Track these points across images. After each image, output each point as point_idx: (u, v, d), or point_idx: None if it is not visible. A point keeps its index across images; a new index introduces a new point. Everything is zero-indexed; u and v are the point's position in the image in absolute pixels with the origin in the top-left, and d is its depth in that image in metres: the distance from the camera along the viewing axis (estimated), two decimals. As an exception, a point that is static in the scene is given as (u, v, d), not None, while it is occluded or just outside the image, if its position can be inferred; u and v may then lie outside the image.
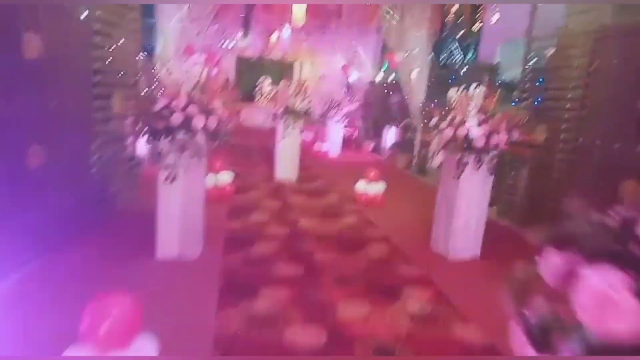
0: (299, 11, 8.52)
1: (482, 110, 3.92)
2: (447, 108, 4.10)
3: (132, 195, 4.97)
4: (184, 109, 3.32)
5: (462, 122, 3.90)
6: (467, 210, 4.06)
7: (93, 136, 4.17)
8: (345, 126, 11.10)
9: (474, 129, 3.80)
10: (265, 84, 16.80)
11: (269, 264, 3.71)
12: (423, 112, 8.75)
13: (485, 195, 4.13)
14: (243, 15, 11.80)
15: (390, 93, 10.84)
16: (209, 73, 3.50)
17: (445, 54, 11.94)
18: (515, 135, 3.89)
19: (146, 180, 4.70)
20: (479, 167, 3.88)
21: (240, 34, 13.52)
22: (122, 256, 3.62)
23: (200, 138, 3.45)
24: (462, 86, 4.03)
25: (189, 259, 3.65)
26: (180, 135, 3.35)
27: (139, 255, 3.62)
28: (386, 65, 10.69)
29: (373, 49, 11.54)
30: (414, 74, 8.71)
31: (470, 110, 3.91)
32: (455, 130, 3.88)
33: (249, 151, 9.99)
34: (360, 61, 11.98)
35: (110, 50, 4.41)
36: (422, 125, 8.87)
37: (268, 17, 11.61)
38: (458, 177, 3.92)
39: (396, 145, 9.93)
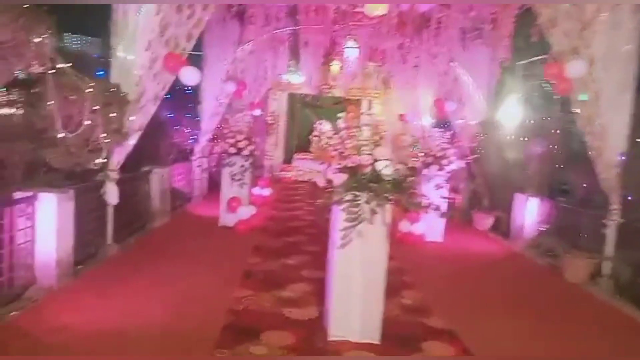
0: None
1: None
2: None
3: None
4: None
5: None
6: None
7: None
8: (447, 192, 6.90)
9: None
10: (325, 128, 12.96)
11: None
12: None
13: None
14: (290, 34, 8.21)
15: (525, 139, 6.54)
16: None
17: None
18: None
19: None
20: None
21: (288, 62, 10.00)
22: None
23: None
24: None
25: None
26: None
27: None
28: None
29: (489, 67, 7.32)
30: (605, 103, 4.45)
31: None
32: None
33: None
34: (464, 92, 7.83)
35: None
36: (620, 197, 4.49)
37: (322, 34, 7.90)
38: None
39: (553, 232, 5.47)
